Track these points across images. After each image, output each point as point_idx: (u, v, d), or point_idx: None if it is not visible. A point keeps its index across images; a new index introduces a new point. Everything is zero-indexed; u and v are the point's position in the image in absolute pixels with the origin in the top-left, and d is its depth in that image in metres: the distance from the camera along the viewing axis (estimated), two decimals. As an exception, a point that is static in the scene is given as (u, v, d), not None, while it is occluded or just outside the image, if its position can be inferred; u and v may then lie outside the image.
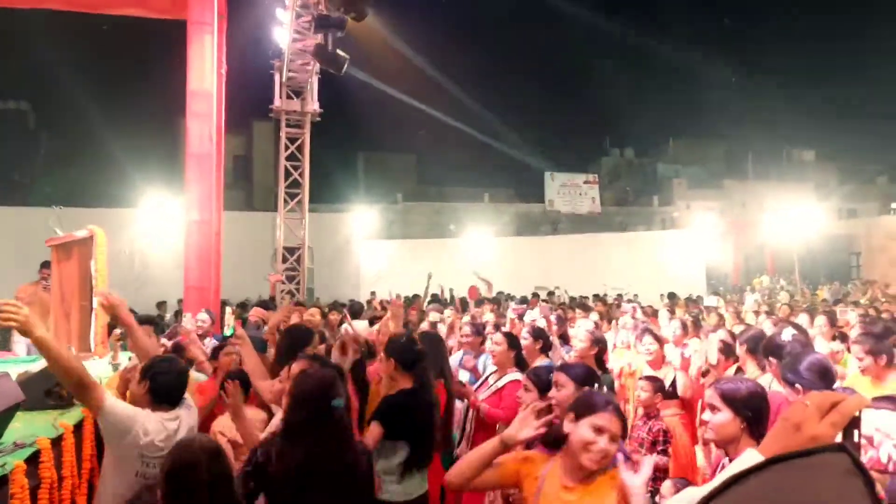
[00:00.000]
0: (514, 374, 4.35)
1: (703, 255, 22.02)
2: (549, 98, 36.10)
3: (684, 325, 6.10)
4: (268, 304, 9.59)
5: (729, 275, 24.48)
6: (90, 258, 6.46)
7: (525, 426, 2.27)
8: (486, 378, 4.52)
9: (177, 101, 8.05)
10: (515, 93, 33.65)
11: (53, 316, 7.02)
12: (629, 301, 12.05)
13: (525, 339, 4.88)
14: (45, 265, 7.71)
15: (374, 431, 3.34)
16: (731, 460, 2.34)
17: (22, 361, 6.25)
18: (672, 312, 8.91)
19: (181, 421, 2.96)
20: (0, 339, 9.95)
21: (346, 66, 11.95)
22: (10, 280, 7.01)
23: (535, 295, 13.88)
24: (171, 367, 3.08)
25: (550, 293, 13.00)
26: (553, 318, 6.91)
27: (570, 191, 32.32)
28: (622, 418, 2.33)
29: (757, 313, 8.77)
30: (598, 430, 2.22)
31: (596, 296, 14.41)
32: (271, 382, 3.70)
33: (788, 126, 39.88)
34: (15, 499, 2.54)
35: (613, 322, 7.46)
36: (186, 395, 3.15)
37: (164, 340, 6.36)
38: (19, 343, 7.97)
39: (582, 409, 2.29)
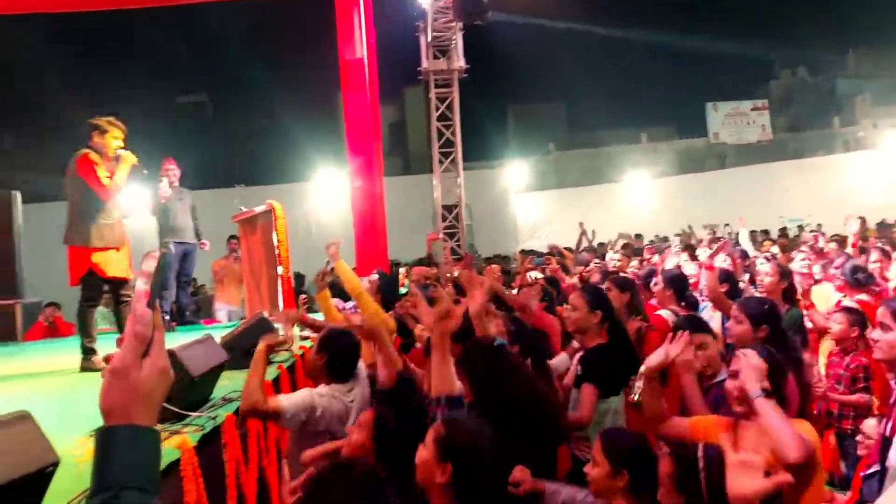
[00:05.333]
0: (662, 311, 4.30)
1: (896, 176, 19.74)
2: (707, 21, 33.40)
3: (884, 252, 5.48)
4: (427, 262, 9.91)
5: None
6: (272, 230, 7.01)
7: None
8: None
9: (336, 74, 8.40)
10: (667, 20, 31.46)
11: (246, 286, 7.73)
12: (812, 232, 11.11)
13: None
14: (233, 238, 8.50)
15: (587, 395, 3.20)
16: None
17: (224, 327, 6.97)
18: (864, 240, 8.10)
19: (356, 392, 3.05)
20: (206, 307, 11.15)
21: (488, 14, 11.86)
22: (204, 255, 7.79)
23: (712, 231, 13.35)
24: (346, 340, 3.14)
25: (712, 230, 12.43)
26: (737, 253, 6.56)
27: (737, 120, 29.96)
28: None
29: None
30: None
31: (782, 230, 13.50)
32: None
33: None
34: (228, 447, 2.79)
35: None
36: (360, 365, 3.22)
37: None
38: (220, 311, 8.90)
39: None
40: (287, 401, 2.91)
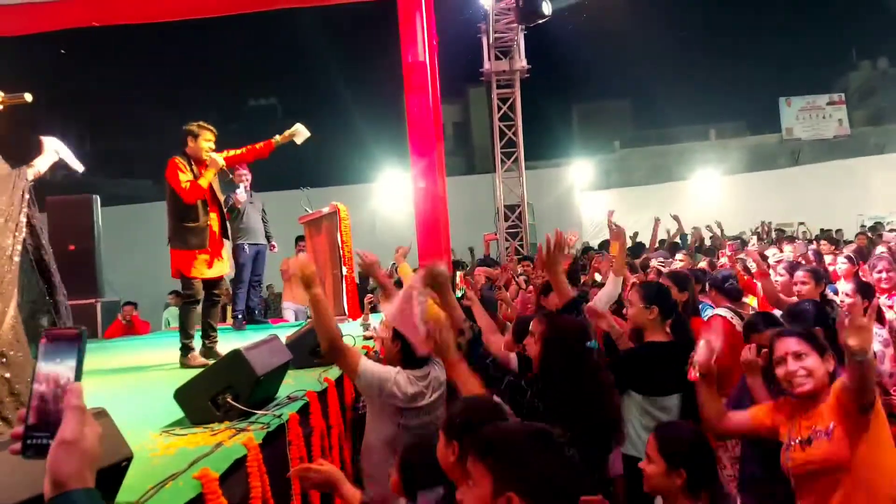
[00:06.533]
0: (719, 310, 4.13)
1: None
2: (778, 12, 32.15)
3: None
4: (490, 262, 9.88)
5: None
6: (336, 231, 7.16)
7: None
8: None
9: (400, 76, 8.49)
10: (736, 11, 30.39)
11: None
12: (892, 230, 10.56)
13: (781, 276, 4.62)
14: (300, 239, 8.72)
15: None
16: None
17: (290, 326, 7.14)
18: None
19: (431, 377, 3.10)
20: (273, 307, 11.46)
21: (548, 12, 11.78)
22: (273, 254, 8.02)
23: (780, 231, 12.96)
24: None
25: (780, 231, 11.95)
26: (810, 254, 6.36)
27: (812, 115, 28.70)
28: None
29: None
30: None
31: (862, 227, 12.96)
32: (502, 337, 3.81)
33: None
34: (292, 445, 2.84)
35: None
36: None
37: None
38: (288, 310, 9.13)
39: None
40: (366, 362, 2.99)
